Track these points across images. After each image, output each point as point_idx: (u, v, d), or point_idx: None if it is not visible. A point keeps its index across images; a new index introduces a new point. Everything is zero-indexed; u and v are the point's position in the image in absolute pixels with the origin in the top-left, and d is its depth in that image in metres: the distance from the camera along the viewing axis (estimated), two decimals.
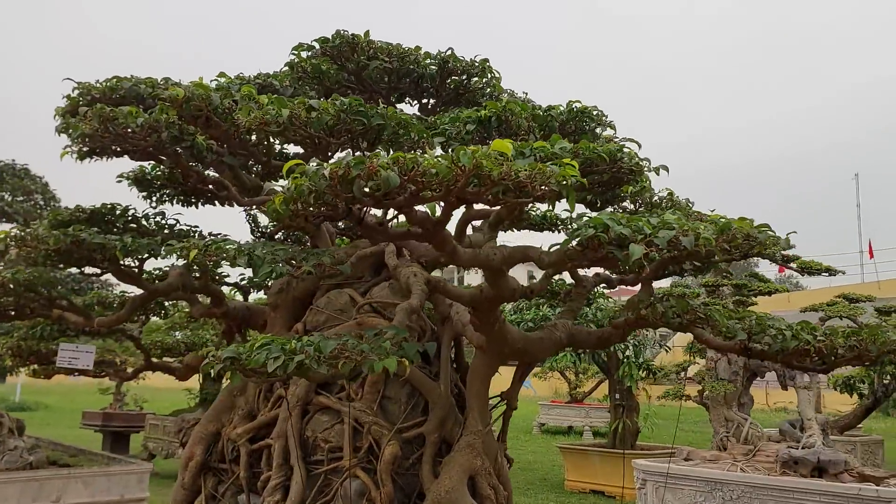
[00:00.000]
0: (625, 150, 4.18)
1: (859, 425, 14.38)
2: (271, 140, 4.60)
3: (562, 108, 4.55)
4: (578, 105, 4.60)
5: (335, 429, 5.13)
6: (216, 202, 6.87)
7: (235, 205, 6.86)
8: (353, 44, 5.24)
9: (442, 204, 3.76)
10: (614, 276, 5.60)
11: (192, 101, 4.33)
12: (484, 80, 5.49)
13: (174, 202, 6.68)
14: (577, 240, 3.56)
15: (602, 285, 5.78)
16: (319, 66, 5.27)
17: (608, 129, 4.90)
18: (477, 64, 5.36)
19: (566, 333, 5.06)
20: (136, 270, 5.26)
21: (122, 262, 5.03)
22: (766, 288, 11.46)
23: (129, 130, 4.60)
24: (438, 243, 3.91)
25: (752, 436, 11.75)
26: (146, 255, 4.97)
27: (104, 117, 4.54)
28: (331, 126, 3.98)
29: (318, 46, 5.38)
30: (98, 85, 5.31)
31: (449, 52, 5.32)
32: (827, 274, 11.40)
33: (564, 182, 3.19)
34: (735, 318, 4.17)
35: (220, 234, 6.61)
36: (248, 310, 6.41)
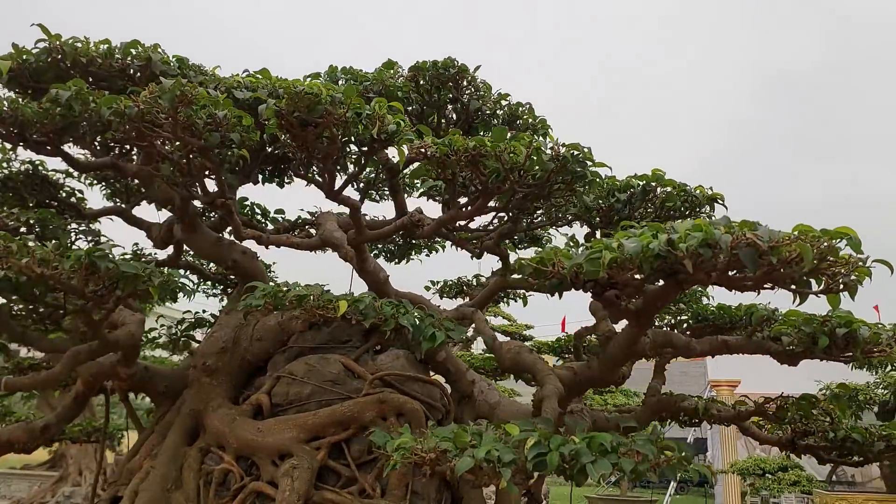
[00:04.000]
0: None
1: None
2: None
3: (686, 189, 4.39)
4: (700, 191, 4.50)
5: None
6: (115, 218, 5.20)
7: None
8: (461, 74, 4.40)
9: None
10: None
11: (320, 103, 3.17)
12: (519, 122, 5.08)
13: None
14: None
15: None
16: (396, 91, 4.32)
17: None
18: (524, 107, 4.94)
19: (591, 420, 4.82)
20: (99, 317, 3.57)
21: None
22: None
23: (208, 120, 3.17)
24: (642, 323, 3.50)
25: None
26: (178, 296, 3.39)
27: (186, 97, 3.08)
28: (538, 173, 3.26)
29: (411, 69, 4.42)
30: (90, 47, 3.66)
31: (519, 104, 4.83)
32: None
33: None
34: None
35: None
36: (147, 371, 4.77)
